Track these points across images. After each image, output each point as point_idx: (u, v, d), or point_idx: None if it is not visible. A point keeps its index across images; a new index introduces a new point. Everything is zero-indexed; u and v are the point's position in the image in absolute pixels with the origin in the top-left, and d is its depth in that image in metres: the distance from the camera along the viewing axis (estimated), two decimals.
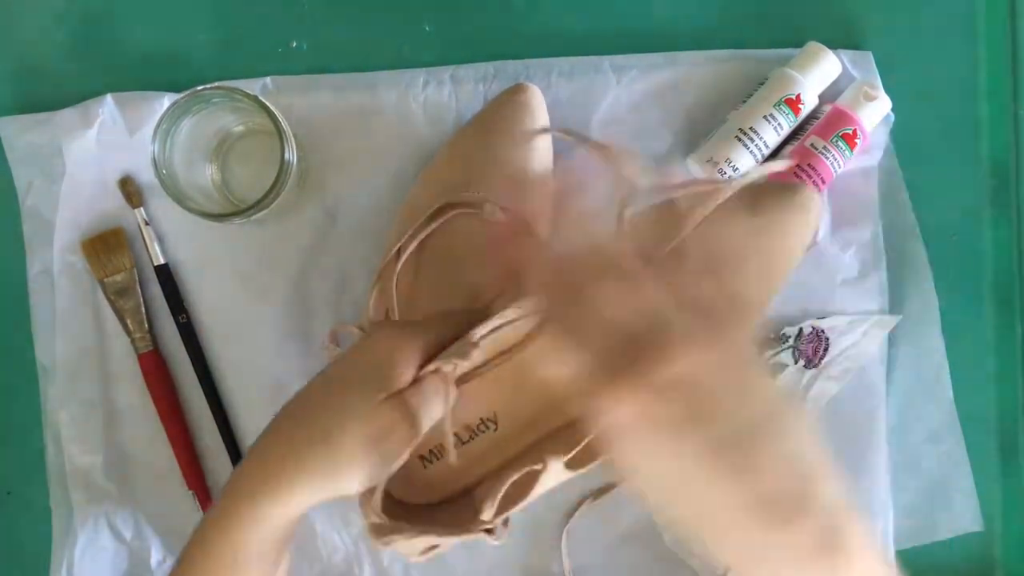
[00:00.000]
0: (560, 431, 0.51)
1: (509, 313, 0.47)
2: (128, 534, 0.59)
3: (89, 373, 0.59)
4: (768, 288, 0.52)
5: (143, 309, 0.59)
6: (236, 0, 0.60)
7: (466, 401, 0.49)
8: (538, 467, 0.48)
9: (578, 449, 0.48)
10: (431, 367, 0.45)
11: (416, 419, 0.44)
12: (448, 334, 0.47)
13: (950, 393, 0.60)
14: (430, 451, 0.52)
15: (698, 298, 0.40)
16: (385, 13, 0.60)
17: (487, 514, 0.48)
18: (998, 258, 0.61)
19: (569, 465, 0.49)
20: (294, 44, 0.60)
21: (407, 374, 0.45)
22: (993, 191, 0.61)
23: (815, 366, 0.59)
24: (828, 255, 0.59)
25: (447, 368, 0.45)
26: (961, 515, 0.60)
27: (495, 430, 0.52)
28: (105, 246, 0.58)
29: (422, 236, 0.54)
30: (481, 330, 0.47)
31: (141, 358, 0.58)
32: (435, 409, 0.45)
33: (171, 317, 0.59)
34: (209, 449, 0.59)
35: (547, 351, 0.41)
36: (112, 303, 0.58)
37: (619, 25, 0.60)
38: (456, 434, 0.51)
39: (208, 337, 0.59)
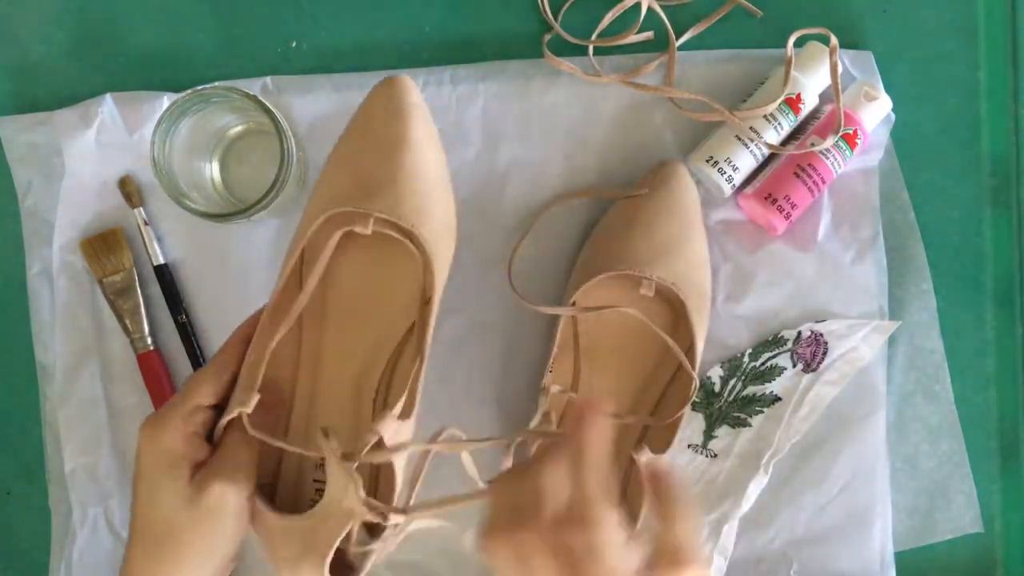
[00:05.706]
0: None
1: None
2: (127, 534, 0.59)
3: (88, 373, 0.59)
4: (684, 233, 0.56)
5: (142, 309, 0.58)
6: (236, 0, 0.60)
7: None
8: None
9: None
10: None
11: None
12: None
13: (950, 393, 0.60)
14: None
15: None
16: (385, 13, 0.60)
17: None
18: (998, 258, 0.61)
19: None
20: (294, 44, 0.60)
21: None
22: (993, 191, 0.61)
23: (813, 370, 0.59)
24: (828, 255, 0.59)
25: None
26: (961, 515, 0.60)
27: None
28: (104, 246, 0.58)
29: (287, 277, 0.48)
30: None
31: (140, 358, 0.58)
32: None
33: (170, 317, 0.59)
34: None
35: None
36: (111, 303, 0.58)
37: (620, 24, 0.60)
38: None
39: (207, 337, 0.59)
